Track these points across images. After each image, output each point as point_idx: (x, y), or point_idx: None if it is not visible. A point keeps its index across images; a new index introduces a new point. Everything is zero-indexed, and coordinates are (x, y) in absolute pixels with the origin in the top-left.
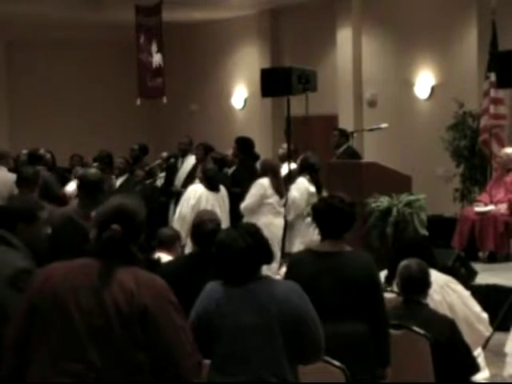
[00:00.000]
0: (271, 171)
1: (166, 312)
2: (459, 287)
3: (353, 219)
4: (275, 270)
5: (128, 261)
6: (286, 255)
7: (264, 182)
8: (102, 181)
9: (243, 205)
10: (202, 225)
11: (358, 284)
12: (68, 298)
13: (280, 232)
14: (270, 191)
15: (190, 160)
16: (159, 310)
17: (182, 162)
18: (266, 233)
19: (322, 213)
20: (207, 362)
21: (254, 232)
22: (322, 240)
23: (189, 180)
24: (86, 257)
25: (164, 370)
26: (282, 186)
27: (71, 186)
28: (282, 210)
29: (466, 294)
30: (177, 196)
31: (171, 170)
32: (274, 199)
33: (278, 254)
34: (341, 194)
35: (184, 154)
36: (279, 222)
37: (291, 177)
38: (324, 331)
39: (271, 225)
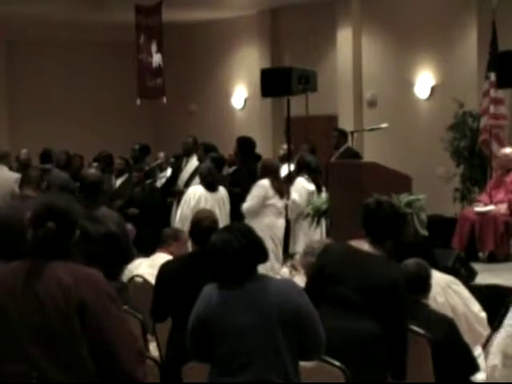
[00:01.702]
0: (272, 172)
1: (103, 305)
2: (460, 288)
3: (398, 228)
4: (277, 270)
5: (64, 257)
6: (289, 255)
7: (265, 184)
8: (101, 181)
9: (245, 206)
10: (198, 222)
11: (385, 291)
12: (5, 300)
13: (281, 232)
14: (271, 192)
15: (194, 160)
16: (97, 303)
17: (186, 162)
18: (269, 234)
19: (371, 213)
20: (207, 364)
21: (247, 232)
22: (367, 240)
23: (191, 180)
24: (23, 257)
25: (105, 363)
26: (282, 186)
27: None
28: (283, 211)
29: (467, 294)
30: (179, 196)
31: (176, 170)
32: (275, 200)
33: (280, 254)
34: (392, 201)
35: (188, 154)
36: (281, 222)
37: (291, 177)
38: (337, 325)
39: (274, 226)
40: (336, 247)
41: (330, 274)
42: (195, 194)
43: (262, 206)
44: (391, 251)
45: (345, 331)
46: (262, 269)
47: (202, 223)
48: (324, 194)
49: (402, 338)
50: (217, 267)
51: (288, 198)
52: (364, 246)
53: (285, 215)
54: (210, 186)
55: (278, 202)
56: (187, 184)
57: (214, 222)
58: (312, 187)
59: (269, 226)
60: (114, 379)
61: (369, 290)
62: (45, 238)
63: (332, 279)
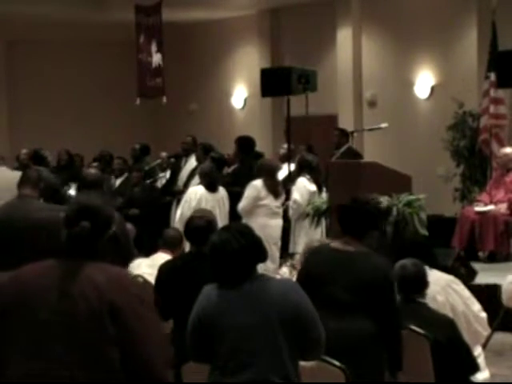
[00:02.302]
0: (266, 172)
1: (135, 307)
2: (461, 287)
3: (375, 221)
4: (273, 270)
5: (96, 257)
6: (289, 255)
7: (257, 184)
8: (101, 181)
9: (239, 207)
10: (190, 221)
11: (375, 286)
12: (36, 298)
13: (277, 232)
14: (263, 193)
15: (193, 160)
16: (128, 305)
17: (186, 162)
18: (262, 234)
19: (347, 210)
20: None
21: (246, 232)
22: (344, 237)
23: (190, 180)
24: (56, 257)
25: (134, 366)
26: (278, 186)
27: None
28: (279, 211)
29: (467, 294)
30: (179, 195)
31: (175, 170)
32: (268, 200)
33: (276, 254)
34: (367, 195)
35: (187, 154)
36: (275, 222)
37: (291, 177)
38: (332, 327)
39: (267, 226)
40: (320, 250)
41: (318, 277)
42: (196, 194)
43: (255, 206)
44: (372, 245)
45: (340, 332)
46: None
47: (194, 222)
48: (324, 194)
49: (396, 331)
50: (216, 267)
51: (288, 198)
52: (346, 244)
53: (283, 215)
54: (211, 187)
55: (271, 203)
56: (186, 184)
57: (209, 221)
58: (313, 187)
59: (261, 227)
60: (143, 381)
61: (360, 288)
62: (79, 236)
63: (320, 282)
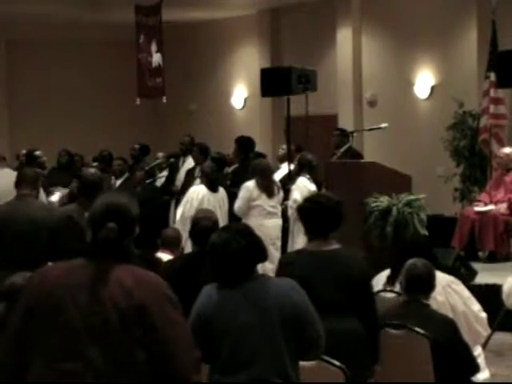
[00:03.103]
0: (258, 172)
1: (163, 308)
2: (461, 287)
3: (340, 217)
4: (271, 271)
5: (124, 258)
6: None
7: (249, 185)
8: (102, 180)
9: (234, 208)
10: (198, 222)
11: (350, 281)
12: (65, 298)
13: (274, 232)
14: (256, 193)
15: (191, 160)
16: (157, 307)
17: (184, 162)
18: (258, 234)
19: (309, 212)
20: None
21: (246, 232)
22: (310, 240)
23: (187, 179)
24: (83, 257)
25: (163, 367)
26: (271, 185)
27: (55, 197)
28: (275, 210)
29: (467, 294)
30: (178, 195)
31: (173, 170)
32: (261, 200)
33: (274, 254)
34: (327, 193)
35: (185, 154)
36: (271, 222)
37: (291, 177)
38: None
39: (262, 226)
40: (294, 258)
41: (299, 282)
42: (198, 194)
43: (248, 207)
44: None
45: (330, 333)
46: None
47: (202, 223)
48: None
49: (375, 324)
50: (216, 267)
51: (287, 197)
52: (315, 246)
53: (281, 215)
54: (212, 187)
55: (264, 203)
56: (184, 183)
57: (214, 222)
58: (313, 187)
59: (257, 227)
60: (172, 382)
61: (341, 285)
62: (106, 238)
63: (304, 287)
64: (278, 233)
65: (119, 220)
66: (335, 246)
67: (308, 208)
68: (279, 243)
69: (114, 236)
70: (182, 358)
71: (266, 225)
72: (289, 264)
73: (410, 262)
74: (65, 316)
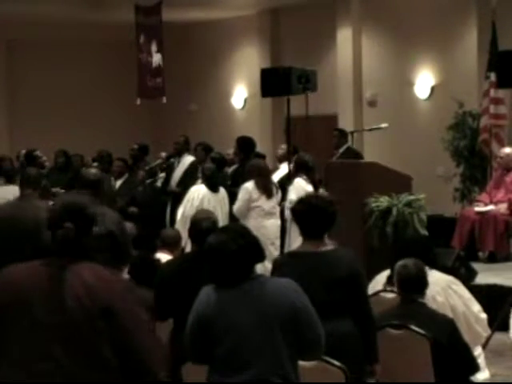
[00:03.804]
0: (256, 173)
1: (127, 306)
2: (461, 288)
3: (333, 218)
4: (269, 270)
5: (83, 256)
6: None
7: (248, 186)
8: (101, 181)
9: (233, 209)
10: (198, 223)
11: (342, 282)
12: (29, 298)
13: (273, 232)
14: (255, 195)
15: (186, 160)
16: (122, 305)
17: (179, 162)
18: (258, 235)
19: (302, 213)
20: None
21: (244, 232)
22: (304, 241)
23: (184, 179)
24: (44, 257)
25: (130, 365)
26: (270, 186)
27: None
28: (273, 211)
29: (467, 294)
30: (173, 196)
31: (169, 170)
32: (261, 201)
33: (274, 254)
34: (320, 194)
35: (180, 154)
36: (270, 223)
37: (290, 177)
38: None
39: (261, 227)
40: (285, 261)
41: None
42: (199, 193)
43: (248, 208)
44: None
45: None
46: None
47: (202, 224)
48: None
49: (370, 324)
50: (214, 268)
51: (283, 198)
52: (307, 247)
53: (279, 215)
54: (213, 187)
55: (264, 204)
56: (180, 183)
57: (214, 222)
58: (310, 188)
59: (256, 228)
60: (139, 380)
61: (332, 286)
62: (65, 238)
63: None
64: (276, 233)
65: (77, 220)
66: (329, 246)
67: (300, 210)
68: (278, 243)
69: (72, 235)
70: (149, 356)
71: (265, 225)
72: (279, 266)
73: (400, 263)
74: (30, 316)
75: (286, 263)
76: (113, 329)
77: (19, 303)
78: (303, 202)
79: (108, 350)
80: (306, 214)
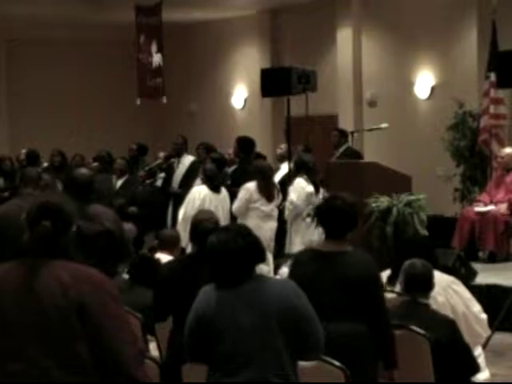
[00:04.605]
0: (259, 174)
1: (103, 302)
2: (461, 288)
3: (355, 219)
4: (267, 272)
5: (60, 255)
6: (286, 256)
7: (250, 187)
8: (92, 181)
9: (233, 208)
10: (199, 224)
11: (359, 284)
12: (2, 298)
13: (269, 235)
14: (255, 196)
15: (186, 160)
16: (96, 302)
17: (178, 163)
18: (256, 235)
19: (325, 213)
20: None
21: (244, 232)
22: (326, 239)
23: (185, 180)
24: (20, 257)
25: (105, 362)
26: (271, 188)
27: None
28: (273, 213)
29: (468, 295)
30: (175, 197)
31: (170, 171)
32: (260, 203)
33: (269, 257)
34: (343, 194)
35: (179, 155)
36: (268, 225)
37: (290, 177)
38: (324, 330)
39: (259, 228)
40: (305, 255)
41: (307, 285)
42: (200, 194)
43: (247, 208)
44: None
45: (329, 334)
46: None
47: (203, 225)
48: (321, 195)
49: (386, 328)
50: (214, 268)
51: (284, 199)
52: (329, 245)
53: (278, 217)
54: (215, 187)
55: (263, 206)
56: (181, 185)
57: (215, 223)
58: (311, 188)
59: (254, 229)
60: (114, 379)
61: (345, 287)
62: (41, 237)
63: (309, 287)
64: (272, 235)
65: (54, 218)
66: (346, 248)
67: (323, 209)
68: (273, 245)
69: (49, 234)
70: (124, 353)
71: (262, 227)
72: (299, 262)
73: (409, 261)
74: (3, 316)
75: (306, 260)
76: (87, 326)
77: None
78: (328, 202)
79: (83, 349)
80: (328, 214)
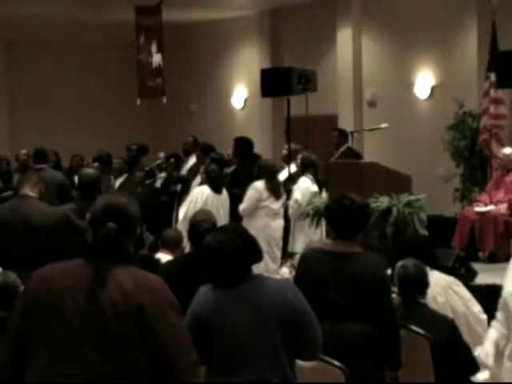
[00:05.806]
0: (267, 173)
1: (162, 311)
2: (461, 288)
3: (365, 220)
4: (274, 271)
5: (124, 260)
6: (289, 255)
7: (259, 185)
8: (98, 180)
9: (241, 208)
10: (197, 224)
11: (367, 286)
12: (64, 299)
13: (278, 233)
14: (265, 194)
15: (191, 160)
16: (156, 309)
17: (186, 162)
18: (263, 235)
19: (335, 213)
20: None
21: (241, 232)
22: (335, 239)
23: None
24: (83, 257)
25: (161, 370)
26: (278, 186)
27: None
28: (280, 211)
29: (468, 295)
30: (179, 196)
31: (172, 171)
32: (269, 202)
33: (277, 254)
34: (353, 195)
35: (187, 154)
36: (276, 223)
37: (292, 177)
38: (330, 330)
39: (268, 227)
40: (312, 255)
41: (312, 283)
42: (202, 194)
43: (256, 207)
44: (374, 245)
45: (335, 335)
46: (255, 269)
47: (201, 225)
48: (324, 194)
49: (393, 329)
50: (212, 268)
51: (288, 197)
52: (338, 246)
53: (283, 215)
54: (217, 188)
55: (272, 204)
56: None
57: (213, 223)
58: (315, 188)
59: (262, 228)
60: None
61: (353, 289)
62: (106, 238)
63: (315, 287)
64: (280, 233)
65: (119, 220)
66: (355, 249)
67: (333, 209)
68: (281, 243)
69: (114, 235)
70: (181, 362)
71: (271, 226)
72: (307, 261)
73: (400, 263)
74: (63, 317)
75: (314, 259)
76: (145, 331)
77: (53, 303)
78: (336, 202)
79: (140, 357)
80: (337, 214)
